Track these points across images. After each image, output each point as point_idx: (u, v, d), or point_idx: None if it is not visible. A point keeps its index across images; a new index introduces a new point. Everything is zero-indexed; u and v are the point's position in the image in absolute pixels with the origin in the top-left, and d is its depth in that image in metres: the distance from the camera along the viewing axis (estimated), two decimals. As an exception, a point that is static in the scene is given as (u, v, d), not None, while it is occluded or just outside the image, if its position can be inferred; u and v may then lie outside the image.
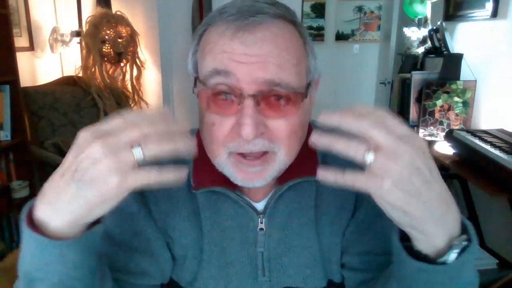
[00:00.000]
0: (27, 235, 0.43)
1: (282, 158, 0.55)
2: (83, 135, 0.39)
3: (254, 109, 0.50)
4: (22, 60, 2.47)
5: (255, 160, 0.54)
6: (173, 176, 0.41)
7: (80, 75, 2.89)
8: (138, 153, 0.38)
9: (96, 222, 0.45)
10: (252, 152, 0.53)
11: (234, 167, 0.55)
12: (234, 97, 0.51)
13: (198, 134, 0.66)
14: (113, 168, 0.38)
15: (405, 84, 2.45)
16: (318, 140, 0.41)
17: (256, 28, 0.51)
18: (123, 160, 0.38)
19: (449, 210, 0.43)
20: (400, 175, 0.38)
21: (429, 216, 0.41)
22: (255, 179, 0.55)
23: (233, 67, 0.50)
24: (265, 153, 0.54)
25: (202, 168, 0.63)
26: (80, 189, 0.39)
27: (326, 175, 0.41)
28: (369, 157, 0.39)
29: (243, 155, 0.54)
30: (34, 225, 0.42)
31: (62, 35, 2.87)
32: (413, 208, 0.40)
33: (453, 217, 0.43)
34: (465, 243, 0.44)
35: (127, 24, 2.97)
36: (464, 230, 0.45)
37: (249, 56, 0.50)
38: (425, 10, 2.58)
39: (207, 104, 0.53)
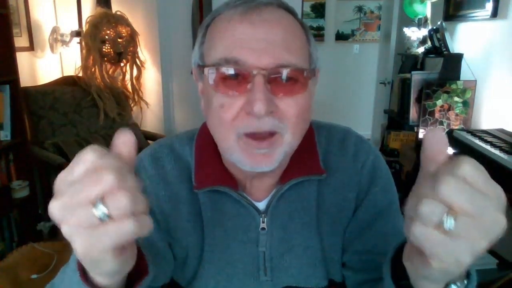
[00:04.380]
0: (77, 281, 0.41)
1: (289, 140, 0.55)
2: (54, 189, 0.35)
3: (264, 86, 0.50)
4: (22, 60, 2.47)
5: (263, 142, 0.53)
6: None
7: (80, 75, 2.89)
8: (99, 212, 0.32)
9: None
10: (260, 132, 0.53)
11: (243, 152, 0.54)
12: (243, 78, 0.52)
13: (199, 135, 0.66)
14: (73, 231, 0.33)
15: (405, 84, 2.45)
16: None
17: (262, 10, 0.53)
18: (80, 222, 0.32)
19: None
20: (483, 249, 0.32)
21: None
22: (263, 162, 0.54)
23: (243, 56, 0.51)
24: (272, 134, 0.54)
25: (204, 168, 0.63)
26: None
27: None
28: (449, 223, 0.31)
29: (251, 136, 0.53)
30: (84, 273, 0.40)
31: (62, 35, 2.87)
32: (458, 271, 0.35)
33: None
34: (465, 281, 0.40)
35: (127, 24, 2.97)
36: None
37: (258, 41, 0.51)
38: (425, 10, 2.58)
39: (216, 86, 0.53)
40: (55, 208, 0.33)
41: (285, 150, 0.55)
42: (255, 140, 0.53)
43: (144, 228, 0.34)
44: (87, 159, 0.33)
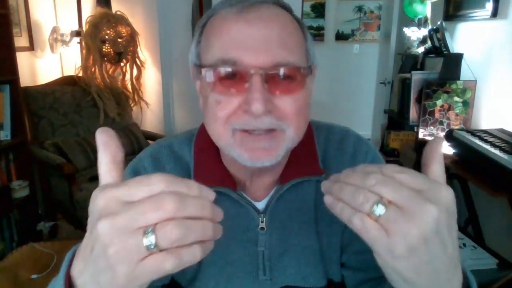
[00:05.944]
0: None
1: (291, 135, 0.54)
2: (97, 204, 0.32)
3: (262, 86, 0.50)
4: (22, 60, 2.47)
5: (260, 137, 0.53)
6: (200, 253, 0.34)
7: (80, 75, 2.89)
8: (149, 241, 0.31)
9: None
10: (258, 129, 0.52)
11: (241, 146, 0.53)
12: (241, 77, 0.51)
13: (198, 136, 0.66)
14: (119, 258, 0.31)
15: (405, 84, 2.45)
16: (328, 188, 0.38)
17: (258, 7, 0.53)
18: (131, 248, 0.31)
19: (456, 273, 0.38)
20: (416, 241, 0.33)
21: (436, 284, 0.36)
22: (263, 157, 0.53)
23: (240, 55, 0.51)
24: (272, 131, 0.53)
25: (203, 168, 0.63)
26: (95, 272, 0.34)
27: (328, 199, 0.38)
28: (379, 210, 0.34)
29: (248, 132, 0.53)
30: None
31: (62, 35, 2.87)
32: (422, 278, 0.35)
33: (458, 279, 0.39)
34: None
35: (127, 24, 2.97)
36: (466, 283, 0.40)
37: (254, 40, 0.51)
38: (425, 10, 2.58)
39: (213, 86, 0.53)
40: (104, 229, 0.31)
41: (287, 145, 0.55)
42: (250, 135, 0.53)
43: (192, 258, 0.33)
44: (151, 182, 0.32)
